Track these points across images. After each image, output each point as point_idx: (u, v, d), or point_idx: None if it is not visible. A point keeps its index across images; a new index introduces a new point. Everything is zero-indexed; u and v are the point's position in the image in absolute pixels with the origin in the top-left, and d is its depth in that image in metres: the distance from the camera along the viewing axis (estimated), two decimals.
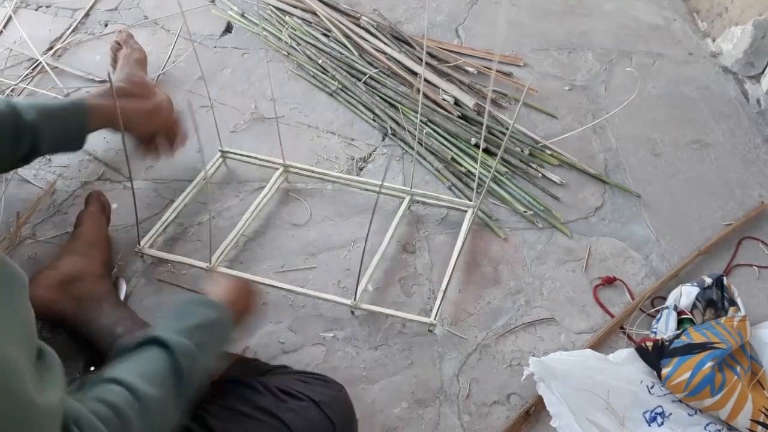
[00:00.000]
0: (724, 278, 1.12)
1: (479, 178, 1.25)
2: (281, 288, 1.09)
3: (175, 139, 1.25)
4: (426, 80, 1.54)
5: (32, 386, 0.48)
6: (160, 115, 1.20)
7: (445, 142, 1.39)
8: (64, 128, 1.06)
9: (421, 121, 1.43)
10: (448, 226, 1.24)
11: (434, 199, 1.26)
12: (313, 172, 1.30)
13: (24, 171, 1.28)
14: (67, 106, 1.07)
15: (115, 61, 1.46)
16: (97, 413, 0.58)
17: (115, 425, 0.58)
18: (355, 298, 1.06)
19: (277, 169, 1.30)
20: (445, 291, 1.09)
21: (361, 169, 1.35)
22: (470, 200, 1.28)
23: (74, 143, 1.11)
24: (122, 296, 1.08)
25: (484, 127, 1.14)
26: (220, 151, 1.33)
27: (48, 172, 1.29)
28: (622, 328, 1.11)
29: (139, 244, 1.13)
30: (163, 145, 1.23)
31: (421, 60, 1.59)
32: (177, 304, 0.79)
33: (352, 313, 1.09)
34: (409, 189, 1.25)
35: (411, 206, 1.26)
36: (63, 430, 0.52)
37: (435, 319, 1.06)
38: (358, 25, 1.67)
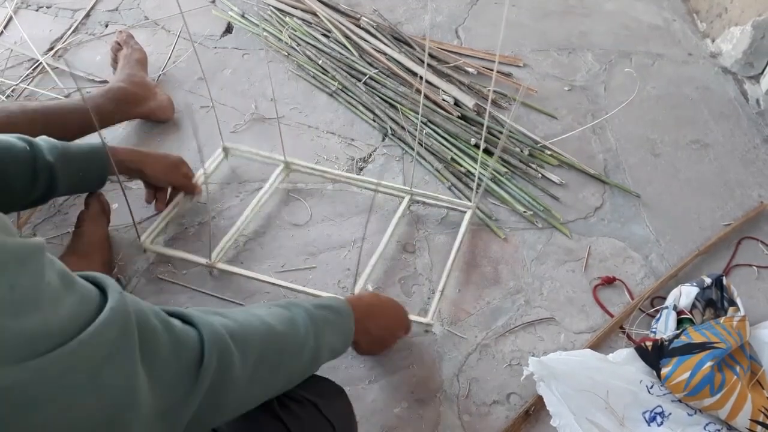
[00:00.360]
0: (724, 278, 1.12)
1: (478, 178, 1.25)
2: (280, 286, 1.09)
3: (188, 193, 1.25)
4: (426, 81, 1.54)
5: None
6: (177, 172, 1.20)
7: (445, 143, 1.39)
8: (82, 172, 1.05)
9: (421, 121, 1.43)
10: (448, 226, 1.24)
11: (433, 199, 1.26)
12: (314, 169, 1.31)
13: None
14: (86, 151, 1.06)
15: (115, 61, 1.46)
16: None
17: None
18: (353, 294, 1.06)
19: (279, 165, 1.30)
20: (442, 291, 1.10)
21: (361, 170, 1.35)
22: (470, 200, 1.28)
23: (91, 186, 1.11)
24: None
25: (484, 127, 1.14)
26: (222, 146, 1.33)
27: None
28: (621, 328, 1.11)
29: (140, 239, 1.13)
30: (170, 197, 1.23)
31: (422, 61, 1.59)
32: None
33: None
34: (408, 189, 1.25)
35: (411, 206, 1.26)
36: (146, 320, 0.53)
37: (432, 319, 1.06)
38: (359, 26, 1.68)
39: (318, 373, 0.94)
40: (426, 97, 1.49)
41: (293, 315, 0.74)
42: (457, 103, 1.48)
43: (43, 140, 1.01)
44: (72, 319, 0.47)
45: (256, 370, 0.64)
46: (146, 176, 1.16)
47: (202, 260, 1.12)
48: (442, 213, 1.27)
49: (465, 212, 1.24)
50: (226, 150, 1.34)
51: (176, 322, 0.58)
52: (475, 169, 1.29)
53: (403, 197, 1.25)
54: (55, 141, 1.02)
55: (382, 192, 1.27)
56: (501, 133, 1.43)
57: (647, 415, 0.97)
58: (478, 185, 1.27)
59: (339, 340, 0.81)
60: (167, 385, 0.54)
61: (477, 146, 1.38)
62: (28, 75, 1.52)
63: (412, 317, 1.05)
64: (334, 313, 0.81)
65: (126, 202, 1.07)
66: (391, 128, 1.42)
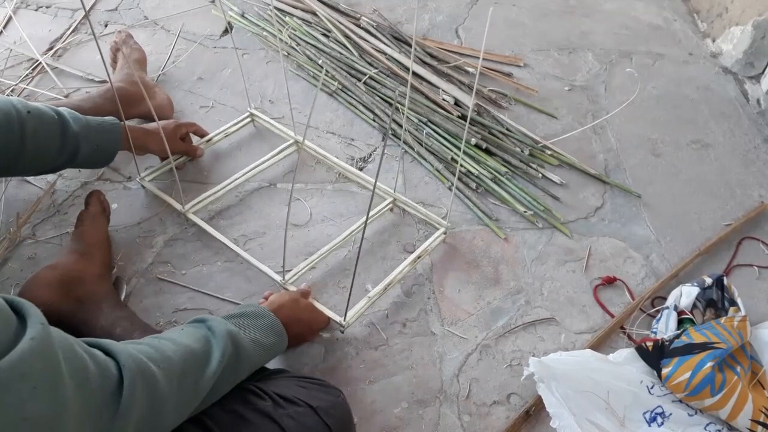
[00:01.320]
0: (725, 278, 1.11)
1: (454, 192, 1.23)
2: (241, 257, 1.12)
3: (192, 154, 1.33)
4: (425, 80, 1.54)
5: None
6: (176, 141, 1.27)
7: (445, 143, 1.38)
8: (100, 143, 1.10)
9: (421, 121, 1.43)
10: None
11: (413, 209, 1.24)
12: (319, 153, 1.34)
13: None
14: (104, 123, 1.12)
15: (114, 61, 1.46)
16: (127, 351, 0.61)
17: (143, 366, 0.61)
18: (284, 277, 1.10)
19: (290, 142, 1.35)
20: (355, 290, 1.06)
21: (361, 169, 1.35)
22: (472, 200, 1.28)
23: (104, 159, 1.14)
24: (122, 296, 1.08)
25: (467, 125, 1.14)
26: (249, 111, 1.41)
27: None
28: (622, 328, 1.11)
29: (183, 207, 1.20)
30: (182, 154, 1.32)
31: (420, 60, 1.59)
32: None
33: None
34: (392, 192, 1.24)
35: (392, 209, 1.26)
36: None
37: (345, 320, 1.03)
38: (358, 26, 1.67)
39: (318, 371, 0.94)
40: (426, 97, 1.49)
41: (207, 328, 0.76)
42: (457, 103, 1.48)
43: (66, 111, 1.06)
44: None
45: (181, 384, 0.66)
46: (151, 151, 1.23)
47: (178, 205, 1.20)
48: (442, 212, 1.27)
49: (468, 208, 1.24)
50: (252, 117, 1.41)
51: (97, 352, 0.58)
52: (475, 169, 1.29)
53: (386, 199, 1.25)
54: (76, 112, 1.08)
55: (375, 192, 1.27)
56: (501, 132, 1.43)
57: (648, 416, 0.97)
58: (467, 189, 1.26)
59: (264, 336, 0.84)
60: (93, 412, 0.54)
61: (477, 146, 1.38)
62: (27, 75, 1.52)
63: (331, 314, 1.05)
64: (249, 316, 0.85)
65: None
66: (390, 128, 1.42)
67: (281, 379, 0.84)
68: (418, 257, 1.14)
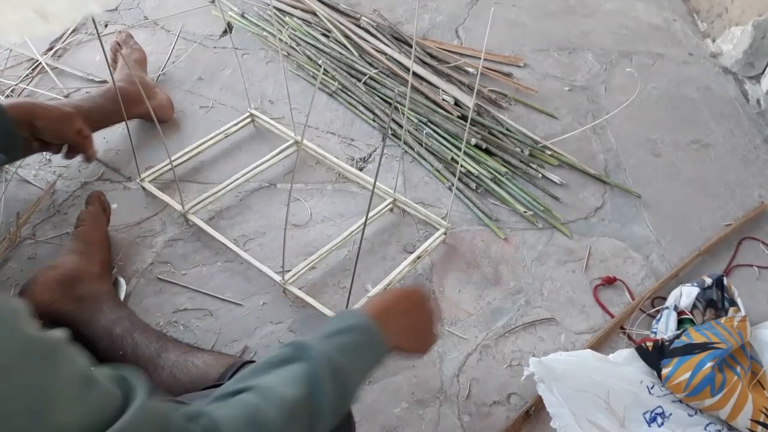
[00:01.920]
0: (724, 278, 1.11)
1: (456, 190, 1.22)
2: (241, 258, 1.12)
3: (81, 152, 1.18)
4: (425, 80, 1.54)
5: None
6: (70, 126, 1.11)
7: (445, 143, 1.38)
8: None
9: (420, 121, 1.43)
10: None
11: (413, 209, 1.24)
12: (324, 156, 1.33)
13: (24, 171, 1.28)
14: None
15: (114, 61, 1.46)
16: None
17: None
18: (284, 277, 1.09)
19: (290, 142, 1.35)
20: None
21: (361, 169, 1.35)
22: (472, 200, 1.28)
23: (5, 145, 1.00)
24: (122, 296, 1.08)
25: (468, 126, 1.14)
26: (249, 112, 1.40)
27: (48, 173, 1.29)
28: (622, 328, 1.11)
29: (183, 208, 1.19)
30: (65, 153, 1.17)
31: (420, 60, 1.59)
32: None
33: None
34: (392, 193, 1.24)
35: (393, 209, 1.26)
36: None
37: None
38: (358, 26, 1.67)
39: None
40: (426, 97, 1.49)
41: (306, 366, 0.62)
42: (457, 103, 1.48)
43: None
44: (90, 421, 0.44)
45: None
46: (36, 129, 1.06)
47: (178, 206, 1.18)
48: (441, 212, 1.27)
49: (468, 208, 1.24)
50: (252, 117, 1.40)
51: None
52: (475, 169, 1.29)
53: (386, 199, 1.24)
54: None
55: (376, 192, 1.26)
56: (501, 133, 1.43)
57: (648, 416, 0.97)
58: (467, 189, 1.26)
59: (370, 356, 0.71)
60: None
61: (477, 146, 1.38)
62: (27, 75, 1.52)
63: (326, 311, 1.04)
64: (350, 333, 0.69)
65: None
66: (390, 128, 1.42)
67: None
68: (418, 258, 1.14)
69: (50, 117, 1.07)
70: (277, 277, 1.09)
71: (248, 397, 0.57)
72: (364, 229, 0.89)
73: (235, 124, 1.40)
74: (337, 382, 0.62)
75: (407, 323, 0.77)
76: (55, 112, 1.09)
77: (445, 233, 1.19)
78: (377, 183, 1.24)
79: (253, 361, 0.92)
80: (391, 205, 1.24)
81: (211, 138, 1.35)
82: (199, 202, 1.22)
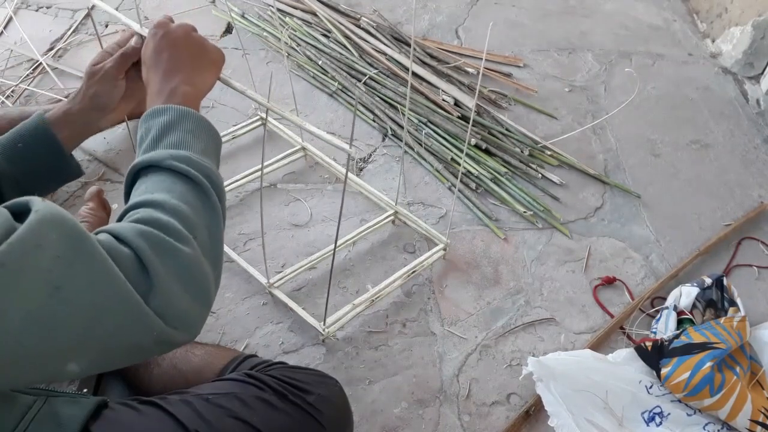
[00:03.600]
0: (724, 278, 1.12)
1: (457, 191, 1.22)
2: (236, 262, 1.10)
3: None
4: (425, 81, 1.54)
5: None
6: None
7: (445, 143, 1.39)
8: (27, 155, 0.82)
9: (420, 121, 1.43)
10: (447, 225, 1.24)
11: (414, 223, 1.22)
12: (327, 162, 1.33)
13: None
14: (20, 130, 0.81)
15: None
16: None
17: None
18: (269, 281, 1.08)
19: (297, 148, 1.34)
20: (327, 297, 0.98)
21: (361, 170, 1.35)
22: (472, 201, 1.28)
23: (55, 167, 0.84)
24: None
25: (470, 127, 1.14)
26: (259, 114, 1.40)
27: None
28: (621, 328, 1.11)
29: None
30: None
31: (420, 60, 1.59)
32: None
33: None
34: (394, 205, 1.22)
35: (394, 221, 1.25)
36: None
37: (325, 326, 1.02)
38: (358, 26, 1.68)
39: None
40: (426, 97, 1.49)
41: (162, 170, 0.63)
42: (457, 104, 1.48)
43: None
44: None
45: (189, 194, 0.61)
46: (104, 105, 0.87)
47: None
48: (441, 212, 1.27)
49: (469, 208, 1.23)
50: (263, 120, 1.39)
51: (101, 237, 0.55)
52: (475, 170, 1.29)
53: (388, 210, 1.23)
54: None
55: (377, 202, 1.26)
56: (501, 133, 1.43)
57: (646, 416, 0.97)
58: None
59: (197, 128, 0.69)
60: (129, 292, 0.52)
61: (477, 146, 1.38)
62: (27, 75, 1.52)
63: (310, 319, 1.03)
64: (171, 128, 0.67)
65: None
66: (390, 128, 1.42)
67: (278, 368, 0.84)
68: (413, 271, 1.13)
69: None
70: (263, 280, 1.09)
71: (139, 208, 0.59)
72: (334, 253, 0.89)
73: (244, 126, 1.39)
74: (196, 164, 0.64)
75: (185, 65, 0.74)
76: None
77: (444, 249, 1.17)
78: (379, 192, 1.25)
79: (255, 356, 0.93)
80: (392, 218, 1.24)
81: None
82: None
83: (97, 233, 0.55)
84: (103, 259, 0.51)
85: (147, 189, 0.62)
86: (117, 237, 0.55)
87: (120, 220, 0.59)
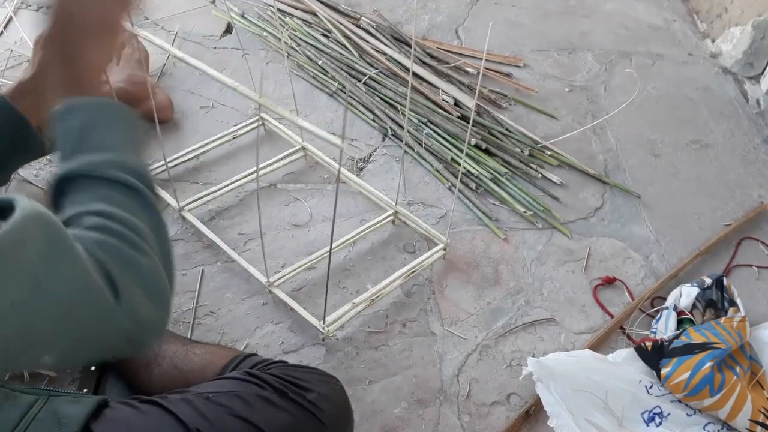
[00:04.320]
0: (724, 278, 1.12)
1: (457, 192, 1.22)
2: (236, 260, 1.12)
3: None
4: (425, 81, 1.54)
5: None
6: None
7: (445, 143, 1.39)
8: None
9: (420, 121, 1.43)
10: (447, 225, 1.24)
11: (414, 223, 1.22)
12: (324, 160, 1.33)
13: (24, 171, 1.29)
14: None
15: (116, 61, 1.46)
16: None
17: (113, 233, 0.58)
18: (269, 280, 1.08)
19: (297, 148, 1.34)
20: (326, 296, 0.98)
21: (361, 170, 1.35)
22: (472, 200, 1.28)
23: (21, 138, 0.85)
24: None
25: (470, 127, 1.14)
26: (259, 115, 1.39)
27: (49, 173, 1.29)
28: (621, 328, 1.11)
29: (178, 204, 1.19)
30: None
31: (420, 60, 1.59)
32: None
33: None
34: (394, 205, 1.22)
35: (394, 221, 1.25)
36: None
37: (325, 325, 1.01)
38: (358, 26, 1.68)
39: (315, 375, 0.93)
40: (426, 97, 1.49)
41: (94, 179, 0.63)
42: (457, 104, 1.48)
43: None
44: None
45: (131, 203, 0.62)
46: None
47: (174, 203, 1.18)
48: (440, 212, 1.27)
49: (469, 209, 1.23)
50: (262, 121, 1.39)
51: None
52: (475, 170, 1.29)
53: (388, 210, 1.22)
54: None
55: (377, 202, 1.26)
56: (501, 133, 1.43)
57: (646, 416, 0.97)
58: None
59: (113, 116, 0.68)
60: (100, 289, 0.55)
61: (477, 146, 1.38)
62: None
63: (310, 318, 1.03)
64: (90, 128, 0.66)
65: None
66: (391, 128, 1.42)
67: (277, 366, 0.84)
68: (413, 271, 1.13)
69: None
70: (263, 279, 1.09)
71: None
72: (330, 255, 0.89)
73: (244, 126, 1.39)
74: (124, 166, 0.64)
75: (84, 45, 0.69)
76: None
77: (444, 249, 1.17)
78: (378, 192, 1.25)
79: (256, 354, 0.93)
80: (392, 217, 1.24)
81: (218, 139, 1.35)
82: (195, 200, 1.21)
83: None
84: (81, 257, 0.53)
85: (83, 199, 0.62)
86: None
87: (67, 226, 0.59)
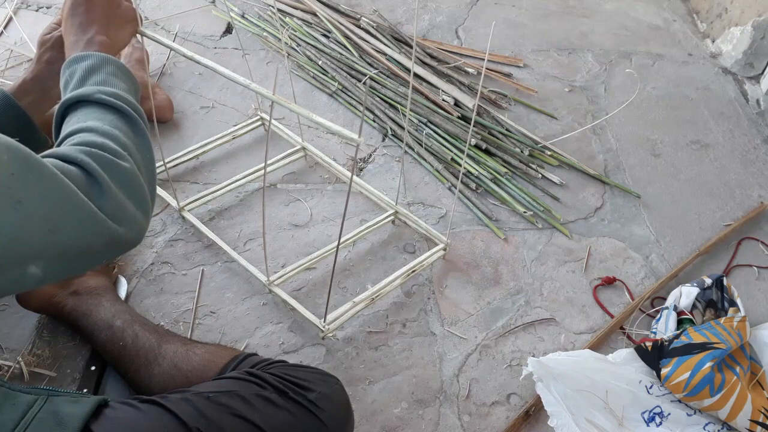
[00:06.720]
0: (724, 279, 1.12)
1: (457, 192, 1.22)
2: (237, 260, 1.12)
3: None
4: (425, 81, 1.54)
5: None
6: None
7: (445, 143, 1.39)
8: None
9: (421, 121, 1.43)
10: (447, 225, 1.24)
11: (414, 223, 1.22)
12: (327, 162, 1.33)
13: None
14: None
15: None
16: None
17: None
18: (269, 279, 1.08)
19: (297, 148, 1.34)
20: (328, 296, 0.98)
21: (361, 170, 1.35)
22: (472, 201, 1.28)
23: (22, 134, 0.86)
24: (122, 295, 1.08)
25: (471, 128, 1.14)
26: (260, 115, 1.39)
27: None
28: (621, 328, 1.11)
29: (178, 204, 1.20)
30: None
31: (420, 61, 1.59)
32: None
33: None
34: (394, 205, 1.22)
35: (394, 221, 1.25)
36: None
37: (325, 323, 1.01)
38: (358, 26, 1.68)
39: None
40: (426, 97, 1.49)
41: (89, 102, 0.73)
42: (457, 104, 1.48)
43: None
44: None
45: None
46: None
47: (174, 202, 1.19)
48: (440, 212, 1.27)
49: (469, 209, 1.23)
50: (262, 120, 1.39)
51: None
52: (475, 170, 1.29)
53: (388, 210, 1.22)
54: None
55: (377, 202, 1.26)
56: (501, 133, 1.43)
57: (646, 416, 0.97)
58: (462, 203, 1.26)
59: (116, 74, 0.77)
60: (81, 201, 0.62)
61: (477, 146, 1.38)
62: None
63: (310, 316, 1.03)
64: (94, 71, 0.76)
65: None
66: (391, 128, 1.42)
67: (278, 366, 0.84)
68: (413, 271, 1.13)
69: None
70: (263, 278, 1.09)
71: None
72: (336, 255, 0.89)
73: (244, 126, 1.39)
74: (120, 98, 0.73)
75: (99, 18, 0.82)
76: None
77: (444, 249, 1.17)
78: (379, 192, 1.25)
79: (256, 354, 0.93)
80: (392, 217, 1.24)
81: (218, 139, 1.35)
82: (195, 200, 1.21)
83: (43, 157, 0.63)
84: (53, 173, 0.59)
85: (79, 119, 0.71)
86: (62, 158, 0.64)
87: (59, 146, 0.68)
